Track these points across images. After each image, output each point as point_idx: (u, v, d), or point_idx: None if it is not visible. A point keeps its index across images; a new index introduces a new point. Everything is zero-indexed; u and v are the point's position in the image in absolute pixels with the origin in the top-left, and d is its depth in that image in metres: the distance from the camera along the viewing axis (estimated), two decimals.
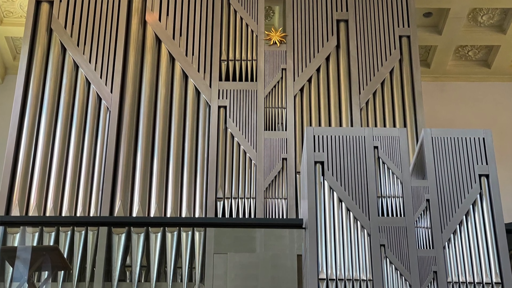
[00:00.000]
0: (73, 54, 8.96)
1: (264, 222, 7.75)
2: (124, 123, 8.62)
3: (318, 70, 9.10)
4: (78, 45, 9.02)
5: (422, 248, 5.88)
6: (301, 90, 8.99)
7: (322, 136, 6.21)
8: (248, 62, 9.04)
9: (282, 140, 8.66)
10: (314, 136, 6.22)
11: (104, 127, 8.60)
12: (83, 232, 7.66)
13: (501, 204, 5.97)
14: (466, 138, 6.23)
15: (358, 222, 5.88)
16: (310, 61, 9.11)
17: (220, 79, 8.98)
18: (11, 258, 6.11)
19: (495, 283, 5.67)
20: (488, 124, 10.21)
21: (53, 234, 7.68)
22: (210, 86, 8.92)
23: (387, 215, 5.95)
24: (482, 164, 6.13)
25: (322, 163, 6.10)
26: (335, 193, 5.99)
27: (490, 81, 11.29)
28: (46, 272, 6.69)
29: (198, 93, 8.93)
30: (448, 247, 5.86)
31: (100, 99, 8.78)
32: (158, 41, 9.17)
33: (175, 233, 7.72)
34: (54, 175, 8.30)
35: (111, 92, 8.79)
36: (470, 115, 10.95)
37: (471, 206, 5.98)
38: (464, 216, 5.95)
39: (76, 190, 8.27)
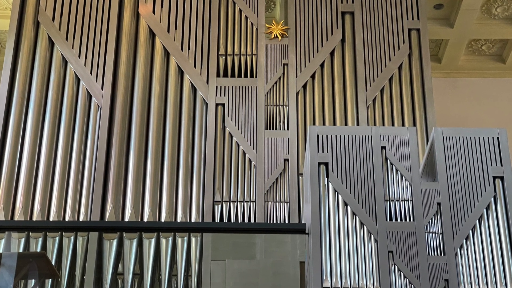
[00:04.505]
0: (62, 49, 8.96)
1: (265, 227, 7.76)
2: (116, 121, 8.62)
3: (322, 65, 9.10)
4: (66, 39, 9.02)
5: (433, 254, 5.88)
6: (304, 86, 9.00)
7: (326, 136, 6.22)
8: (248, 57, 9.05)
9: (284, 140, 8.66)
10: (317, 135, 6.22)
11: (95, 126, 8.60)
12: (72, 237, 7.67)
13: None
14: (479, 137, 6.24)
15: (365, 227, 5.88)
16: (313, 56, 9.11)
17: (218, 75, 8.98)
18: None
19: None
20: (503, 122, 10.19)
21: (40, 239, 7.69)
22: (207, 82, 8.92)
23: (396, 219, 5.96)
24: (496, 165, 6.13)
25: (326, 164, 6.10)
26: (340, 196, 5.99)
27: (505, 77, 11.29)
28: (33, 280, 6.70)
29: (194, 89, 8.94)
30: (460, 254, 5.86)
31: (90, 96, 8.78)
32: (152, 35, 9.17)
33: (170, 238, 7.73)
34: (41, 177, 8.30)
35: (102, 89, 8.79)
36: (484, 113, 10.95)
37: (484, 210, 5.99)
38: (477, 221, 5.96)
39: (64, 193, 8.27)
